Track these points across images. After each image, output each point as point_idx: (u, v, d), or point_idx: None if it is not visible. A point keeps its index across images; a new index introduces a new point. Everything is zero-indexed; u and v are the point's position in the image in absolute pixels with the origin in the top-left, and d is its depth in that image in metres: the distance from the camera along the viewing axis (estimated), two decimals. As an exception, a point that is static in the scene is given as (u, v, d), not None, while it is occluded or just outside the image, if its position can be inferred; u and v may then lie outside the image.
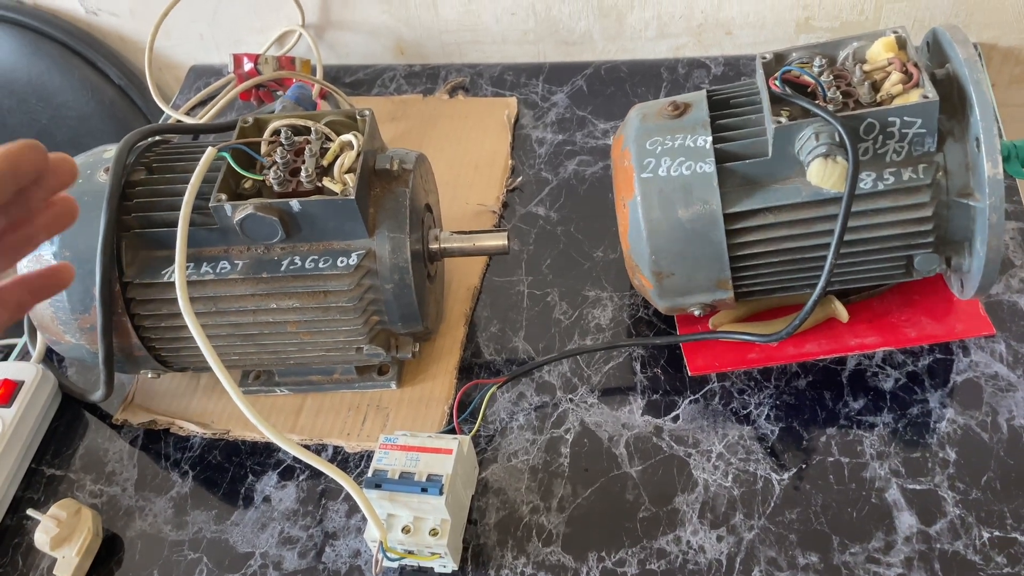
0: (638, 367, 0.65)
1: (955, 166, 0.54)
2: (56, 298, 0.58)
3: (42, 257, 0.58)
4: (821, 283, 0.54)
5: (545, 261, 0.73)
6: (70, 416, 0.68)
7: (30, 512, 0.59)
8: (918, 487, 0.56)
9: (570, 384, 0.65)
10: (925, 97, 0.52)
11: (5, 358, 0.73)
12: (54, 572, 0.57)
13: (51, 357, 0.72)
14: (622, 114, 0.84)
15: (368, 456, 0.63)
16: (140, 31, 1.00)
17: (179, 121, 0.89)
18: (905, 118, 0.53)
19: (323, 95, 0.84)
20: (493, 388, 0.64)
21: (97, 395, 0.64)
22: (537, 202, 0.78)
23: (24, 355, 0.72)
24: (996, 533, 0.54)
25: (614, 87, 0.88)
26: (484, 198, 0.79)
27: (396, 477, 0.53)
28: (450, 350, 0.68)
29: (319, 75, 0.91)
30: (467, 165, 0.82)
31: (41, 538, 0.57)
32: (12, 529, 0.62)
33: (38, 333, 0.70)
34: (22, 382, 0.66)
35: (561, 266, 0.73)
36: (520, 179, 0.80)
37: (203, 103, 0.93)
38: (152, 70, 0.94)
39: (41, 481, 0.64)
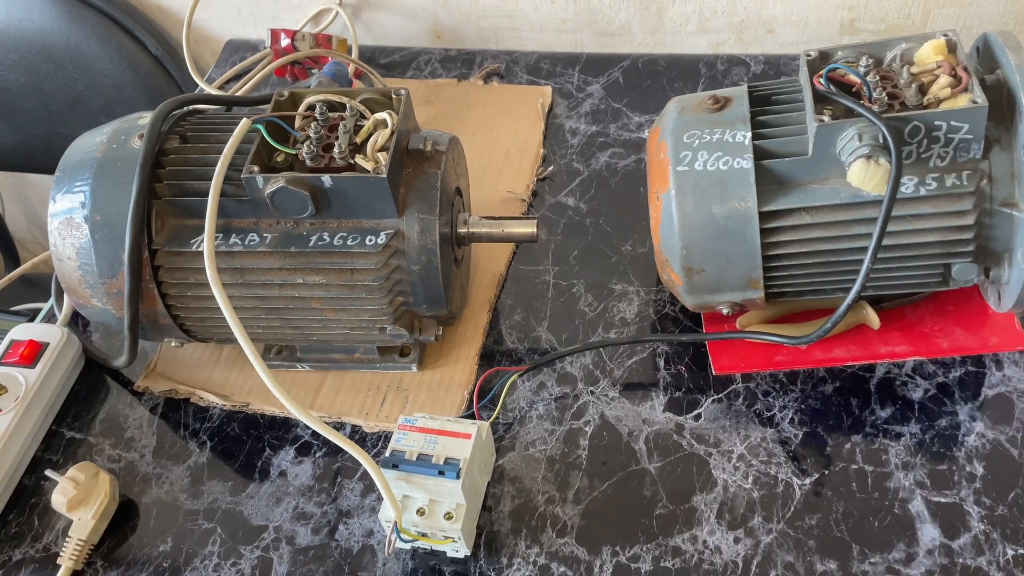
0: (662, 363, 0.64)
1: (1000, 174, 0.53)
2: (85, 261, 0.58)
3: (73, 220, 0.58)
4: (856, 288, 0.53)
5: (572, 252, 0.73)
6: (92, 380, 0.69)
7: (49, 473, 0.59)
8: (943, 500, 0.55)
9: (592, 376, 0.64)
10: (974, 102, 0.51)
11: (31, 320, 0.74)
12: (69, 533, 0.58)
13: (76, 321, 0.72)
14: (658, 108, 0.84)
15: (385, 437, 0.62)
16: (179, 3, 1.00)
17: (210, 92, 0.89)
18: (952, 123, 0.51)
19: (358, 75, 0.84)
20: (514, 376, 0.63)
21: (120, 361, 0.64)
22: (567, 192, 0.78)
23: (50, 318, 0.73)
24: (1021, 551, 0.52)
25: (651, 80, 0.87)
26: (514, 186, 0.78)
27: (414, 458, 0.53)
28: (473, 336, 0.68)
29: (355, 55, 0.91)
30: (498, 152, 0.82)
31: (58, 499, 0.58)
32: (30, 489, 0.62)
33: (65, 296, 0.70)
34: (47, 344, 0.66)
35: (588, 257, 0.72)
36: (551, 168, 0.80)
37: (237, 77, 0.93)
38: (189, 42, 0.94)
39: (61, 443, 0.65)
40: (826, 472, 0.57)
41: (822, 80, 0.54)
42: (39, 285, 1.06)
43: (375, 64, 0.93)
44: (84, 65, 1.02)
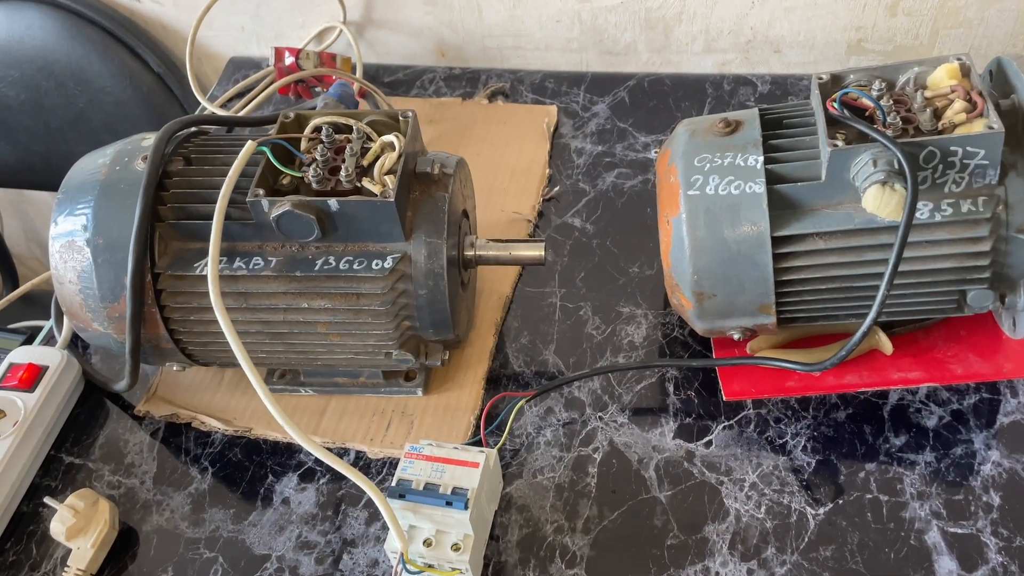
0: (671, 388, 0.63)
1: (1017, 201, 0.52)
2: (86, 285, 0.57)
3: (75, 243, 0.57)
4: (872, 314, 0.52)
5: (579, 274, 0.72)
6: (92, 404, 0.68)
7: (47, 500, 0.58)
8: (959, 531, 0.54)
9: (600, 402, 0.63)
10: (990, 128, 0.50)
11: (30, 341, 0.72)
12: (68, 563, 0.56)
13: (76, 343, 0.71)
14: (664, 128, 0.83)
15: (390, 463, 0.61)
16: (182, 20, 1.00)
17: (214, 112, 0.89)
18: (968, 148, 0.51)
19: (362, 94, 0.83)
20: (521, 402, 0.62)
21: (120, 385, 0.63)
22: (573, 213, 0.77)
23: (49, 340, 0.72)
24: (1040, 584, 0.51)
25: (657, 100, 0.86)
26: (519, 206, 0.78)
27: (421, 488, 0.52)
28: (478, 359, 0.67)
29: (359, 73, 0.90)
30: (503, 172, 0.81)
31: (57, 528, 0.57)
32: (28, 516, 0.61)
33: (65, 319, 0.69)
34: (46, 367, 0.65)
35: (595, 280, 0.71)
36: (557, 189, 0.79)
37: (240, 95, 0.92)
38: (192, 60, 0.93)
39: (59, 468, 0.64)
40: (840, 502, 0.56)
41: (835, 104, 0.54)
42: (38, 303, 1.05)
43: (378, 82, 0.92)
44: (85, 82, 1.01)
